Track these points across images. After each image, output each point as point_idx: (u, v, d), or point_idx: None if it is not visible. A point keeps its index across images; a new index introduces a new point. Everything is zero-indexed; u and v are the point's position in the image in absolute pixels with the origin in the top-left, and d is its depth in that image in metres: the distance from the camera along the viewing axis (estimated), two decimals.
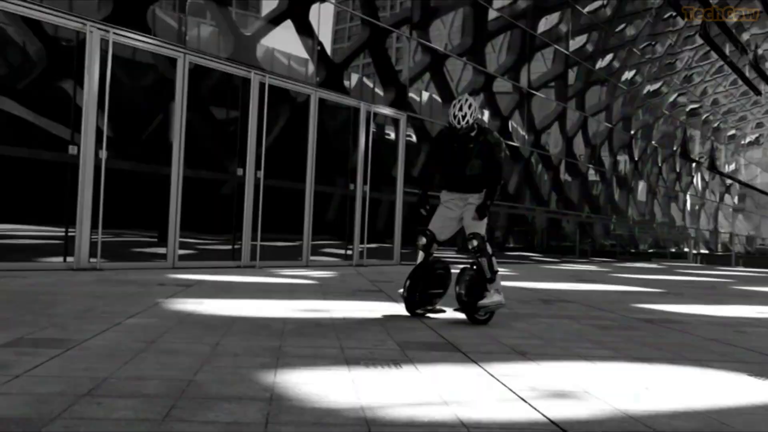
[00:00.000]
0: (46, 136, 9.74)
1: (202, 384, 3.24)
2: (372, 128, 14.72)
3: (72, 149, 9.28)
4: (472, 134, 6.02)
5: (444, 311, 6.32)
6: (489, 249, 5.96)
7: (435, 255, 6.30)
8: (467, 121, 5.88)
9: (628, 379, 3.97)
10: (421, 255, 6.23)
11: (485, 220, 6.09)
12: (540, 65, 23.20)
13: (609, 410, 3.15)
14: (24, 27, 9.43)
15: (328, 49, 14.68)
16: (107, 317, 5.15)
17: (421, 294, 6.17)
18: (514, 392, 3.40)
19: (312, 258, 13.29)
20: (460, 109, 5.89)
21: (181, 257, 10.83)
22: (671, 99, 35.74)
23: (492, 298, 5.88)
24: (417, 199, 6.40)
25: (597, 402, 3.29)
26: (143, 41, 10.31)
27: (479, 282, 5.93)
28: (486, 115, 20.22)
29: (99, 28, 9.56)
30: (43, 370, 3.36)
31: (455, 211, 6.19)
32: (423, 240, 6.16)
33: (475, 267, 6.02)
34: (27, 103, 9.54)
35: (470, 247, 5.94)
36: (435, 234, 6.15)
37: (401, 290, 6.14)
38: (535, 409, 3.09)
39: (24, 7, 8.90)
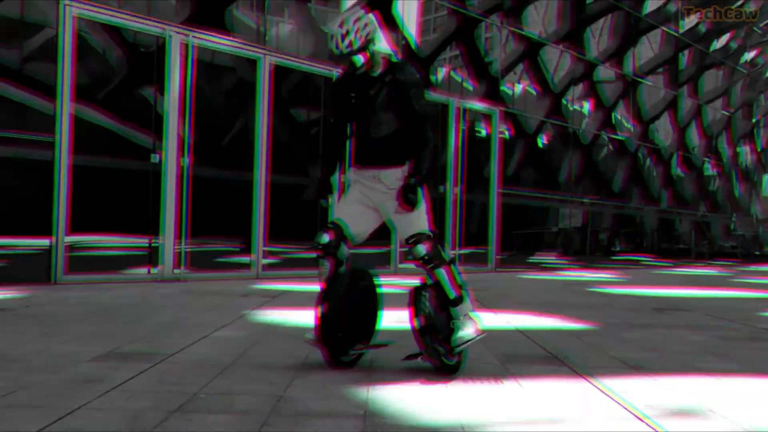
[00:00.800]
0: (128, 144, 10.18)
1: (293, 399, 3.31)
2: (463, 125, 14.67)
3: (154, 157, 9.67)
4: (375, 74, 4.03)
5: (386, 344, 4.31)
6: (445, 253, 4.13)
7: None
8: (350, 43, 3.84)
9: (758, 396, 3.80)
10: (325, 266, 4.08)
11: (423, 209, 4.08)
12: (647, 49, 22.54)
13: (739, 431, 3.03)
14: (104, 34, 9.90)
15: (414, 42, 14.74)
16: (194, 330, 5.34)
17: (347, 328, 4.09)
18: (628, 410, 3.32)
19: (401, 265, 13.35)
20: (341, 25, 3.88)
21: (266, 266, 11.10)
22: None
23: (467, 328, 4.00)
24: (315, 187, 4.52)
25: (724, 421, 3.16)
26: (224, 43, 10.64)
27: (442, 306, 4.08)
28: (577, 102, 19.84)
29: (179, 32, 9.93)
30: (134, 384, 3.52)
31: (366, 196, 4.16)
32: (325, 237, 4.02)
33: (430, 285, 4.12)
34: (108, 110, 10.00)
35: (417, 257, 4.00)
36: (344, 227, 4.07)
37: (308, 335, 4.04)
38: (655, 429, 3.01)
39: (103, 14, 9.35)
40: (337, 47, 3.88)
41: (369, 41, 3.90)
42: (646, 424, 3.08)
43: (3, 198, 8.99)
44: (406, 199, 3.91)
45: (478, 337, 4.05)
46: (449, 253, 4.08)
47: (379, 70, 4.02)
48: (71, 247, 9.03)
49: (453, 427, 2.94)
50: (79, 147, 9.02)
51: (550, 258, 18.82)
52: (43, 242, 8.75)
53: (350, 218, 4.11)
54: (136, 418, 2.90)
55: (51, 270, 8.73)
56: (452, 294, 4.02)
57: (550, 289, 10.95)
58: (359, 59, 3.91)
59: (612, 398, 3.55)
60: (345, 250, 4.10)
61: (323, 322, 3.96)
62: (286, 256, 12.17)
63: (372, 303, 4.32)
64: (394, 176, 4.04)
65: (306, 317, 6.30)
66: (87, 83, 9.85)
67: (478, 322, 4.11)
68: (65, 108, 8.81)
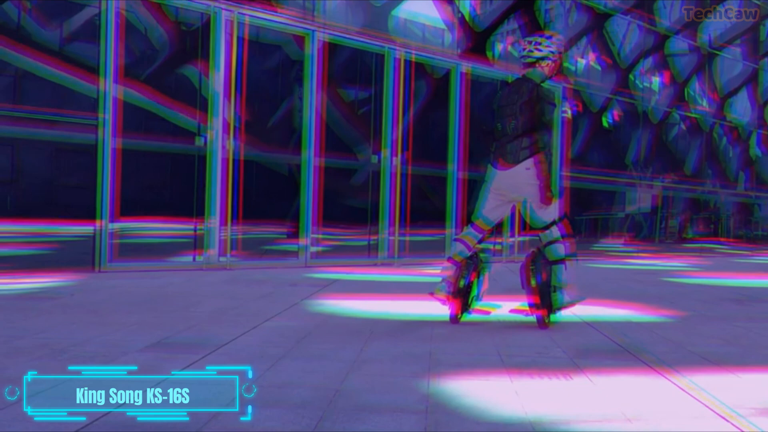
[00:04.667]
0: (174, 126, 10.33)
1: (351, 392, 3.33)
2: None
3: (200, 139, 9.80)
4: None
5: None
6: None
7: None
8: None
9: None
10: None
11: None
12: (724, 19, 21.93)
13: None
14: (146, 12, 10.04)
15: (471, 15, 14.60)
16: (244, 319, 5.41)
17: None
18: (711, 409, 3.25)
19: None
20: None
21: (315, 254, 11.17)
22: None
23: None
24: None
25: None
26: (272, 18, 10.69)
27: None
28: (656, 82, 19.43)
29: (226, 8, 10.01)
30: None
31: None
32: None
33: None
34: (152, 91, 10.16)
35: None
36: None
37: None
38: (741, 429, 2.94)
39: None
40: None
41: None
42: (732, 423, 3.02)
43: (47, 182, 9.22)
44: None
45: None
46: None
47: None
48: (116, 233, 9.21)
49: (521, 424, 2.93)
50: (123, 129, 9.17)
51: (617, 245, 18.55)
52: (88, 228, 8.94)
53: None
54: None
55: (96, 256, 8.93)
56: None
57: (619, 278, 10.79)
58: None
59: (692, 395, 3.49)
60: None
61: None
62: (335, 243, 12.24)
63: None
64: None
65: (359, 306, 6.35)
66: (131, 62, 10.01)
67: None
68: (109, 88, 8.96)
